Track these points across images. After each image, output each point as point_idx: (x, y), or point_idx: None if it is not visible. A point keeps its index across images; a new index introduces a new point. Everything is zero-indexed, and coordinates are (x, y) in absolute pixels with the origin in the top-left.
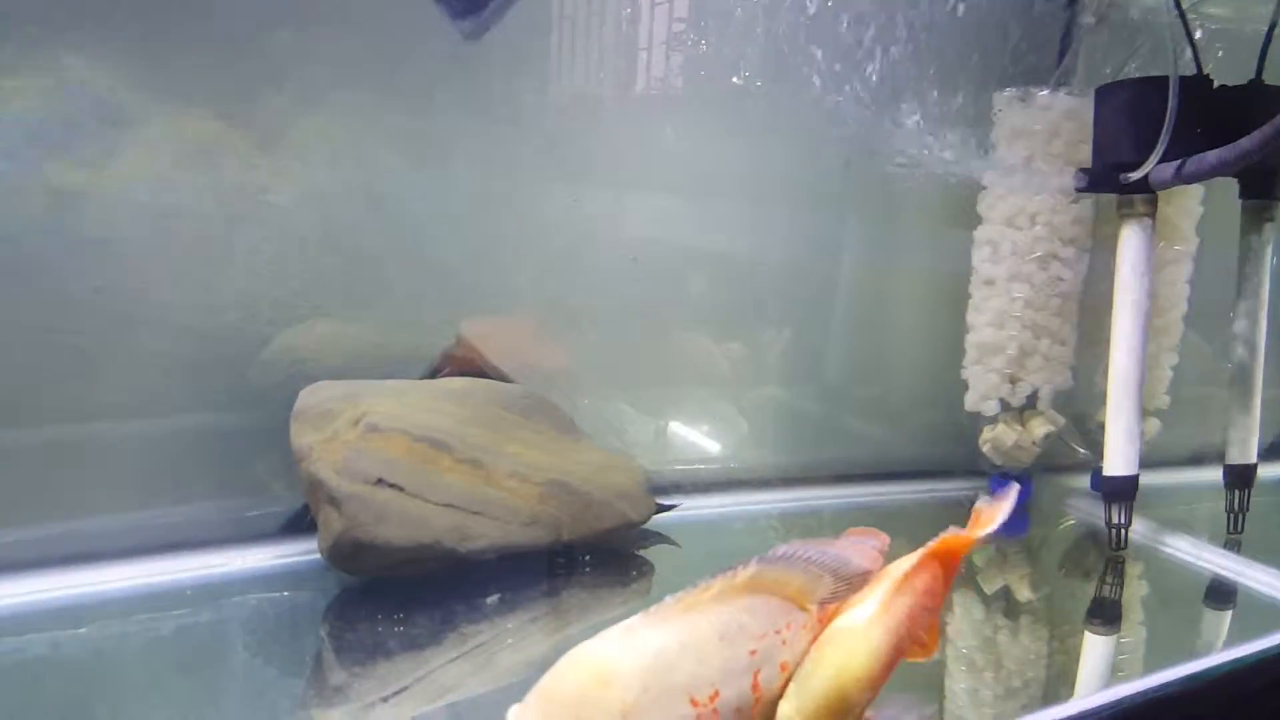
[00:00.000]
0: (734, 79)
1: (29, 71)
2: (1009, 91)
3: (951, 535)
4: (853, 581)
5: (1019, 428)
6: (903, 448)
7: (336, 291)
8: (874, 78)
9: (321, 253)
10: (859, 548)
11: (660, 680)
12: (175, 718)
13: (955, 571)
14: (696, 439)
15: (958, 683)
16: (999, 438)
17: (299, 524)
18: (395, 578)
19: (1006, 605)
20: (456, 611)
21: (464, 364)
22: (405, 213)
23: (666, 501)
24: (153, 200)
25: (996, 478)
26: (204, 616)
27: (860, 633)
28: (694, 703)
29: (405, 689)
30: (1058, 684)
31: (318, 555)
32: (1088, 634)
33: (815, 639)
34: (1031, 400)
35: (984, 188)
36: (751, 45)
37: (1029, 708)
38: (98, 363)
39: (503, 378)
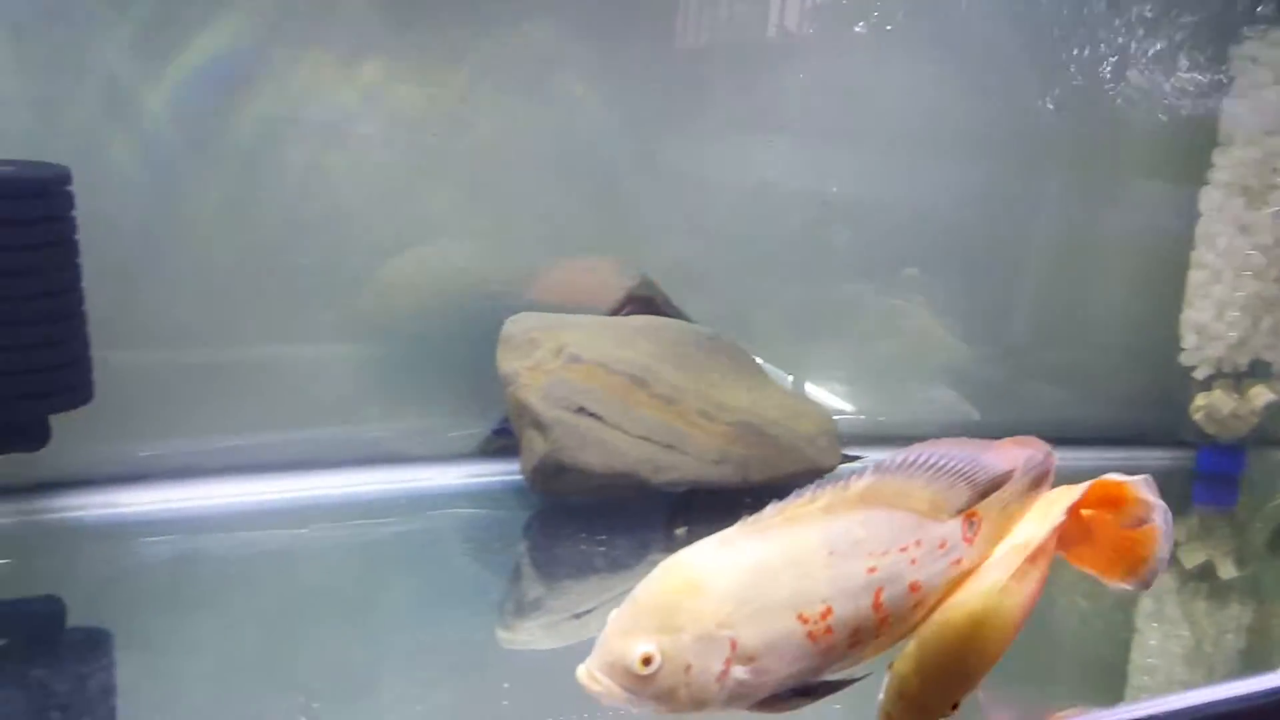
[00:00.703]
0: (935, 15)
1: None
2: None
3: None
4: (989, 487)
5: (1236, 395)
6: (1095, 412)
7: (531, 226)
8: (1089, 9)
9: (521, 187)
10: (1000, 451)
11: (761, 593)
12: (390, 613)
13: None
14: (868, 394)
15: (1146, 657)
16: (1215, 405)
17: (490, 448)
18: (587, 503)
19: (1207, 582)
20: (648, 539)
21: (645, 304)
22: (596, 150)
23: (851, 452)
24: (358, 129)
25: (1206, 449)
26: (410, 526)
27: (1001, 597)
28: (802, 618)
29: (595, 609)
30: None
31: (511, 477)
32: None
33: (961, 564)
34: (1255, 368)
35: (1217, 132)
36: None
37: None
38: (316, 286)
39: (684, 318)
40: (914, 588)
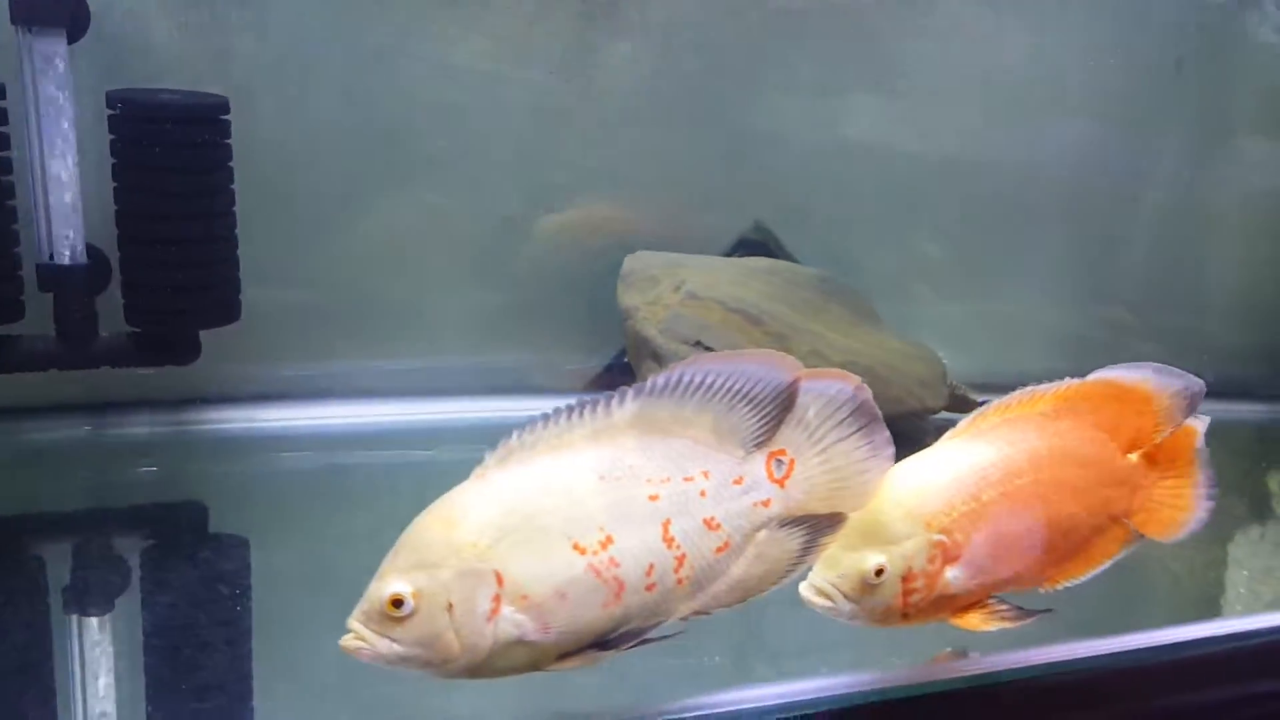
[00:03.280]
0: None
1: None
2: None
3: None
4: (775, 406)
5: None
6: (1200, 369)
7: (653, 170)
8: None
9: (645, 133)
10: (771, 360)
11: (526, 521)
12: None
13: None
14: (970, 351)
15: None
16: None
17: (602, 382)
18: None
19: None
20: None
21: (758, 247)
22: (712, 99)
23: (980, 398)
24: (490, 70)
25: None
26: None
27: (927, 463)
28: (578, 548)
29: None
30: None
31: None
32: None
33: (770, 507)
34: None
35: None
36: None
37: None
38: (448, 224)
39: (794, 261)
40: (710, 525)
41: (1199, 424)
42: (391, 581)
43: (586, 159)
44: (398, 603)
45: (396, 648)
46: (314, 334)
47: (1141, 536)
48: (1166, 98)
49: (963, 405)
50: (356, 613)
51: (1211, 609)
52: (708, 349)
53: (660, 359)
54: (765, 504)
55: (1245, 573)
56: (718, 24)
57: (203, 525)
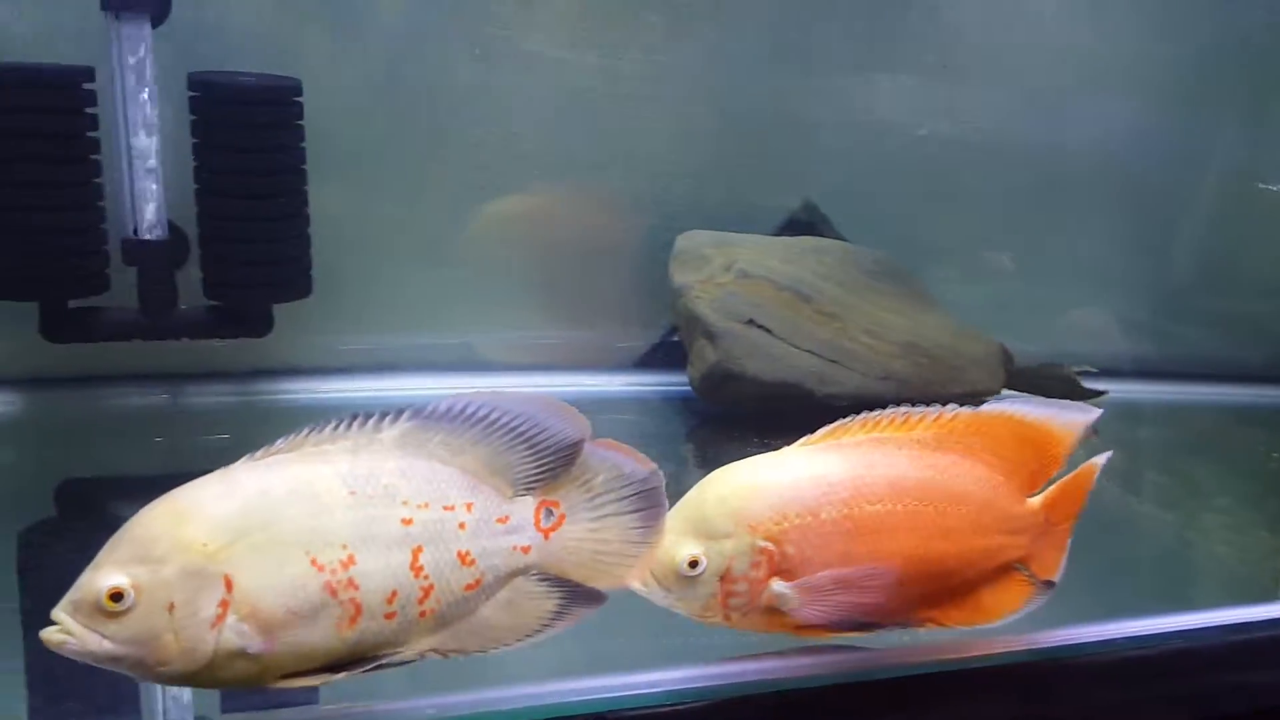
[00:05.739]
0: None
1: None
2: None
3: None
4: (555, 458)
5: None
6: (1249, 353)
7: (705, 153)
8: None
9: (689, 116)
10: (568, 417)
11: (263, 525)
12: None
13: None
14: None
15: None
16: None
17: (650, 359)
18: (745, 413)
19: None
20: None
21: (807, 227)
22: (763, 84)
23: (1099, 387)
24: (548, 55)
25: None
26: None
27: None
28: (316, 563)
29: None
30: None
31: (671, 388)
32: None
33: (529, 555)
34: None
35: None
36: None
37: None
38: (497, 201)
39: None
40: (464, 559)
41: (1100, 459)
42: (109, 573)
43: (634, 142)
44: (117, 596)
45: (107, 644)
46: (372, 310)
47: (1050, 584)
48: (1223, 79)
49: (1072, 389)
50: (65, 603)
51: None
52: (761, 327)
53: (713, 337)
54: (525, 550)
55: None
56: (774, 4)
57: None
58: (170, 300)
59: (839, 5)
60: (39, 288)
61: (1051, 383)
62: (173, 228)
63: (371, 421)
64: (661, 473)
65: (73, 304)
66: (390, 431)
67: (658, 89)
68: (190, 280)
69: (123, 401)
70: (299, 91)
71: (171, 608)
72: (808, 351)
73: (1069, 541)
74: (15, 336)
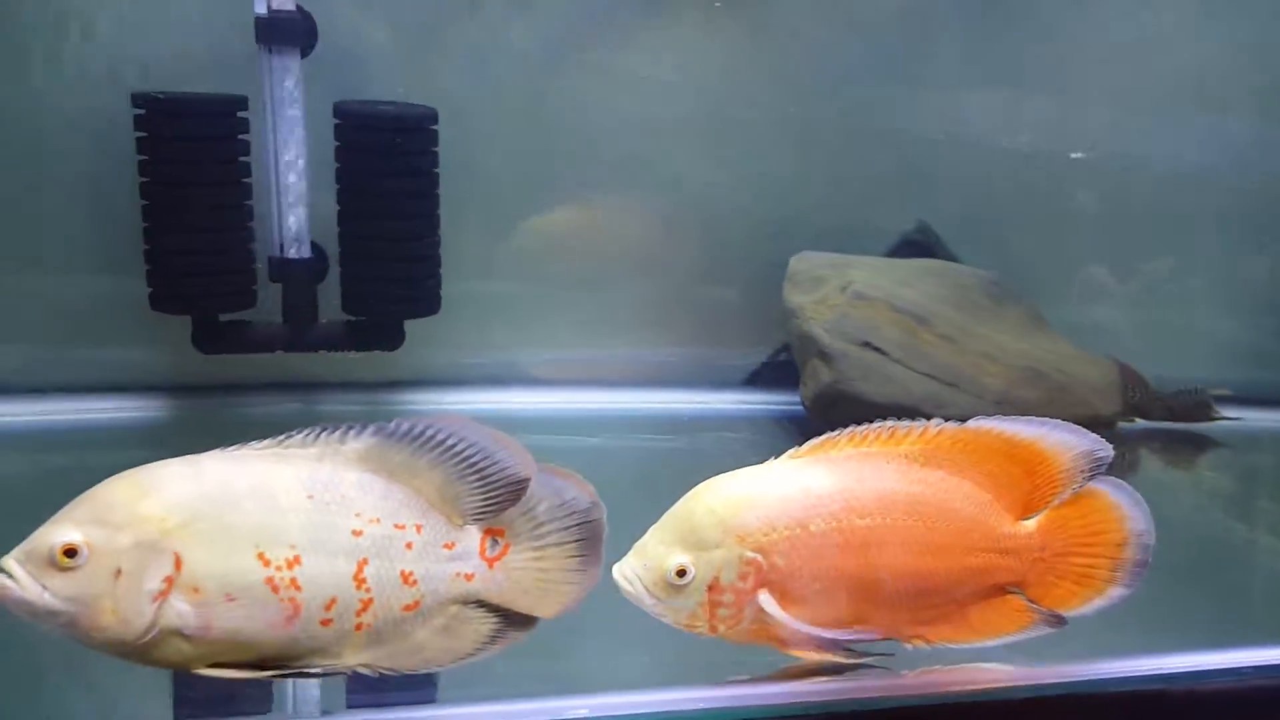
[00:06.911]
0: None
1: None
2: None
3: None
4: (503, 493)
5: None
6: None
7: (820, 173)
8: None
9: (800, 146)
10: (519, 454)
11: (219, 512)
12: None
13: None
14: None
15: None
16: None
17: (757, 379)
18: None
19: None
20: None
21: (920, 248)
22: (876, 107)
23: (1231, 414)
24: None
25: None
26: (683, 443)
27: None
28: (264, 558)
29: None
30: None
31: (778, 407)
32: None
33: (472, 582)
34: None
35: None
36: None
37: None
38: (612, 227)
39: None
40: (407, 579)
41: (1129, 504)
42: (67, 529)
43: (743, 162)
44: (70, 552)
45: (48, 597)
46: (492, 326)
47: (1057, 618)
48: None
49: (1197, 412)
50: (17, 551)
51: None
52: (876, 349)
53: (827, 358)
54: (469, 577)
55: None
56: (886, 25)
57: None
58: (311, 315)
59: (956, 26)
60: (194, 303)
61: (1185, 407)
62: (314, 247)
63: (339, 433)
64: (602, 503)
65: (223, 318)
66: (355, 444)
67: (771, 113)
68: (329, 296)
69: (259, 409)
70: (435, 119)
71: (118, 574)
72: (924, 374)
73: (1106, 588)
74: (168, 347)
